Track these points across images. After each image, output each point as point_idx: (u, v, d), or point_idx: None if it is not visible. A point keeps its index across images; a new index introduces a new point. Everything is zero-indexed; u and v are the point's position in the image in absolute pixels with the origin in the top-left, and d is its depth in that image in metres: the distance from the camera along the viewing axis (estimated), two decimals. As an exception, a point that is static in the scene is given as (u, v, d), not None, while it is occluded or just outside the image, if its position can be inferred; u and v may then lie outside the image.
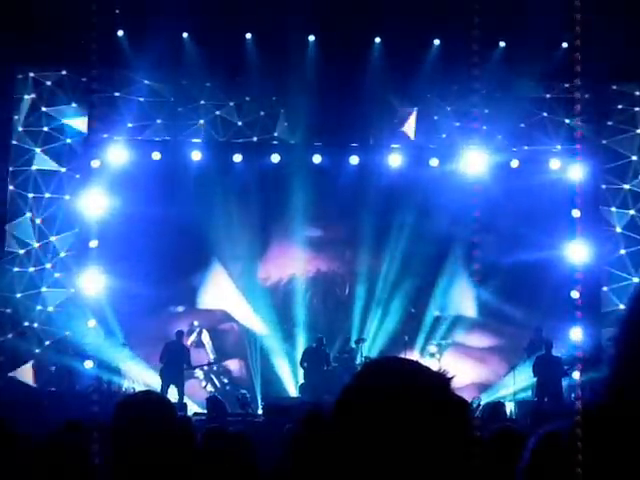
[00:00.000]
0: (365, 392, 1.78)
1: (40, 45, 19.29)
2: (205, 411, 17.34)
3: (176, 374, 18.36)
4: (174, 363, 18.35)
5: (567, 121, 20.78)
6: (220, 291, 21.06)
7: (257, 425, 15.35)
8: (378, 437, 1.72)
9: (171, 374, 18.31)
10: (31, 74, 20.79)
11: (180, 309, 21.13)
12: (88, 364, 19.10)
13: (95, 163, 20.56)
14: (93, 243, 20.36)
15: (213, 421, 14.13)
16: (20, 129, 20.70)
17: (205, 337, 20.97)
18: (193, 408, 18.63)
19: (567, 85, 20.42)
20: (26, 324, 20.20)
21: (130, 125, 20.87)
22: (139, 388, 18.89)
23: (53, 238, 20.57)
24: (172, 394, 17.90)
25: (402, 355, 19.69)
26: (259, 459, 5.26)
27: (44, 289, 20.44)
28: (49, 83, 20.84)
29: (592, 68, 17.60)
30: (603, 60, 17.77)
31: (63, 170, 20.74)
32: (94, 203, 20.34)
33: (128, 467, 3.09)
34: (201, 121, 21.00)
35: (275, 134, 21.14)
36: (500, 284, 19.98)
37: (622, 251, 20.79)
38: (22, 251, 20.43)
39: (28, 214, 20.55)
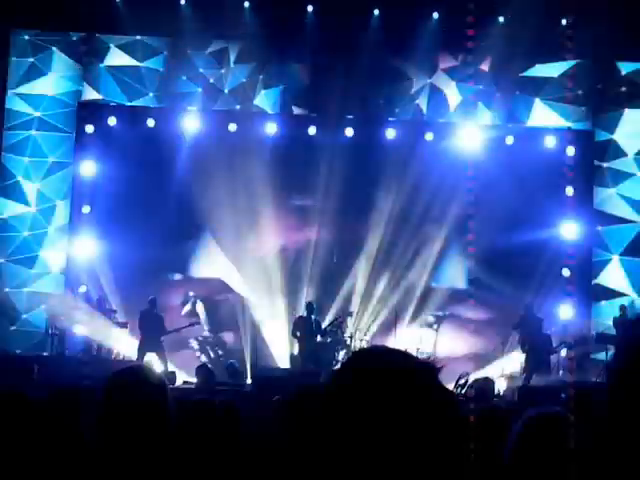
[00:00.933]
0: (353, 384, 1.79)
1: (38, 9, 19.22)
2: (194, 380, 17.39)
3: (154, 342, 18.28)
4: (151, 331, 18.27)
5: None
6: (212, 260, 21.04)
7: (245, 395, 15.36)
8: (367, 423, 1.73)
9: (149, 343, 18.25)
10: (26, 37, 20.67)
11: (175, 277, 21.09)
12: (78, 329, 19.13)
13: (89, 128, 20.51)
14: (86, 209, 20.34)
15: (201, 391, 14.15)
16: (14, 92, 20.62)
17: (200, 308, 20.96)
18: (182, 377, 18.69)
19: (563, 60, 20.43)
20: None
21: (124, 91, 20.83)
22: (128, 354, 18.99)
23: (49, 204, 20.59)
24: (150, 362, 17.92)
25: (395, 326, 19.83)
26: (247, 429, 5.28)
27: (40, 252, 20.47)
28: (45, 45, 20.72)
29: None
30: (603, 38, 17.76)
31: (58, 134, 20.67)
32: (88, 169, 20.34)
33: (116, 441, 3.10)
34: (199, 89, 20.92)
35: (267, 104, 21.05)
36: (492, 258, 20.01)
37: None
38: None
39: (20, 178, 20.52)
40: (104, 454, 3.06)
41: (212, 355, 20.47)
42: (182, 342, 20.04)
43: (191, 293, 21.04)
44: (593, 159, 20.82)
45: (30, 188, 20.52)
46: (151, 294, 18.99)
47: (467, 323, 20.74)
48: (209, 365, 17.38)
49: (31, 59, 20.68)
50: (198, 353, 20.60)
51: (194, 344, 20.60)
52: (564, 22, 19.41)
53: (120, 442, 3.07)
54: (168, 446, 3.11)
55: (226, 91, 20.98)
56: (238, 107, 21.01)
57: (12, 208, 20.47)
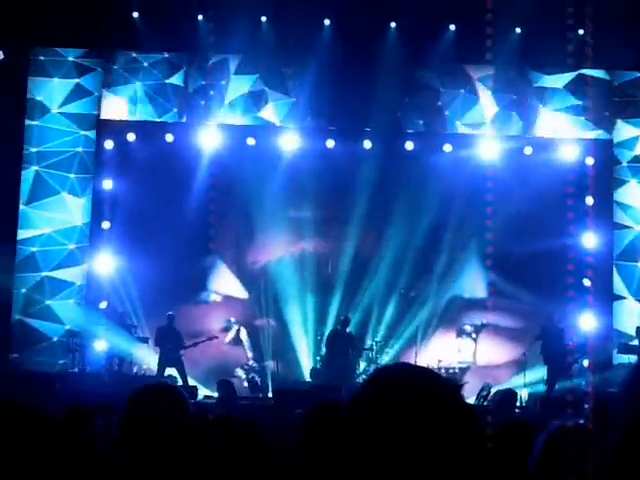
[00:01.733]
0: (373, 403, 1.77)
1: (57, 26, 19.31)
2: (216, 394, 17.38)
3: (173, 357, 18.35)
4: (170, 347, 18.33)
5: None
6: (221, 279, 21.02)
7: (267, 409, 15.35)
8: (385, 444, 1.71)
9: (168, 357, 18.30)
10: (42, 57, 20.75)
11: (202, 295, 20.96)
12: (100, 345, 19.16)
13: (108, 144, 20.55)
14: (105, 224, 20.35)
15: (223, 405, 14.16)
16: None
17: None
18: (203, 391, 18.71)
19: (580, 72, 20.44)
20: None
21: (142, 107, 20.90)
22: (149, 370, 19.01)
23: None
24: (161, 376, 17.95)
25: (417, 340, 19.82)
26: (268, 443, 5.26)
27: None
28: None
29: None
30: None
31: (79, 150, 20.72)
32: (107, 185, 20.38)
33: (136, 460, 3.08)
34: (202, 102, 20.93)
35: (281, 116, 21.07)
36: (511, 268, 19.96)
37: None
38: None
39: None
40: (123, 470, 3.05)
41: (259, 383, 19.95)
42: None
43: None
44: (612, 168, 20.81)
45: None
46: (173, 310, 19.08)
47: (503, 330, 20.64)
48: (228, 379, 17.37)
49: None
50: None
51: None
52: (581, 32, 19.36)
53: (140, 459, 3.06)
54: (187, 462, 3.10)
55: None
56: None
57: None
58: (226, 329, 20.68)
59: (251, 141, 20.57)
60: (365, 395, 1.80)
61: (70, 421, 5.00)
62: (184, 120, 20.90)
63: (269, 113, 21.03)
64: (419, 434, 1.71)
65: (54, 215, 20.42)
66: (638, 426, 1.40)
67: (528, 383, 18.82)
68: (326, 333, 19.37)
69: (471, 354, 20.58)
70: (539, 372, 18.91)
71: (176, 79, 20.92)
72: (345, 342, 18.67)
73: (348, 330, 18.90)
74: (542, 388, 18.40)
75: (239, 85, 20.97)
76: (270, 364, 20.06)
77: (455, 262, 20.64)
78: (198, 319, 20.42)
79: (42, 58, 20.60)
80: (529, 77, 20.83)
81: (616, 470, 1.45)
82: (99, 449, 4.50)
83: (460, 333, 20.68)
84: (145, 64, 20.86)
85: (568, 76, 20.76)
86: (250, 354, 20.65)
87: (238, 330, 20.73)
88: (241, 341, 20.71)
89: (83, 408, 5.19)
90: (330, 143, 20.52)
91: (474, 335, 20.71)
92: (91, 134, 20.67)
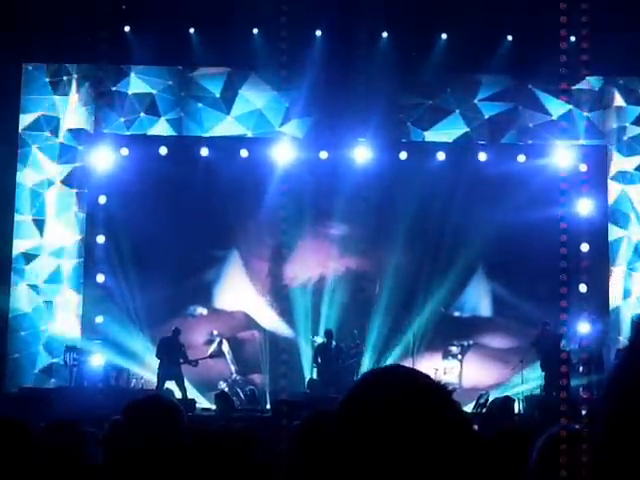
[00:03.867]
0: (364, 403, 1.76)
1: (48, 41, 19.31)
2: (213, 407, 17.34)
3: (173, 370, 18.35)
4: (170, 358, 18.33)
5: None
6: (238, 291, 21.00)
7: (265, 421, 15.33)
8: (379, 446, 1.70)
9: (168, 370, 18.30)
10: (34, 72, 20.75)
11: (197, 310, 20.92)
12: (97, 359, 19.15)
13: (102, 159, 20.51)
14: (100, 239, 20.32)
15: (221, 417, 14.13)
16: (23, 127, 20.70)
17: (225, 347, 20.74)
18: (202, 403, 18.71)
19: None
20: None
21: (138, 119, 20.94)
22: (147, 383, 19.00)
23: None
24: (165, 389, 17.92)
25: (413, 352, 19.77)
26: (266, 455, 5.24)
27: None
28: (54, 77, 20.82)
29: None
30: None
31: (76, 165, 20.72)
32: (101, 200, 20.35)
33: (129, 473, 3.07)
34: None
35: (283, 129, 21.08)
36: (512, 280, 19.95)
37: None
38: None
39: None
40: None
41: (243, 397, 19.72)
42: (211, 384, 19.91)
43: (215, 332, 20.82)
44: (607, 176, 20.80)
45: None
46: (171, 325, 19.16)
47: (493, 352, 20.57)
48: (226, 391, 17.37)
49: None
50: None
51: (223, 386, 20.33)
52: (572, 39, 19.39)
53: (133, 471, 3.05)
54: (183, 474, 3.09)
55: (232, 117, 21.02)
56: (246, 133, 21.03)
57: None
58: (209, 342, 20.62)
59: (244, 153, 20.56)
60: (353, 397, 1.80)
61: (50, 433, 4.97)
62: (179, 133, 20.94)
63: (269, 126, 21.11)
64: (409, 436, 1.70)
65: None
66: (620, 425, 1.39)
67: (526, 390, 18.79)
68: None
69: (456, 375, 20.48)
70: (537, 379, 18.91)
71: (168, 92, 20.93)
72: (329, 354, 18.67)
73: (334, 342, 18.87)
74: (540, 394, 18.36)
75: (241, 99, 21.02)
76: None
77: (458, 278, 20.61)
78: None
79: (35, 73, 20.62)
80: (523, 85, 20.84)
81: (598, 468, 1.44)
82: (84, 460, 4.48)
83: (445, 354, 20.63)
84: (137, 78, 20.87)
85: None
86: (233, 367, 20.65)
87: (220, 342, 20.65)
88: (223, 354, 20.65)
89: (65, 420, 5.17)
90: (323, 154, 20.50)
91: (459, 356, 20.63)
92: (85, 148, 20.66)
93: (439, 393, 1.77)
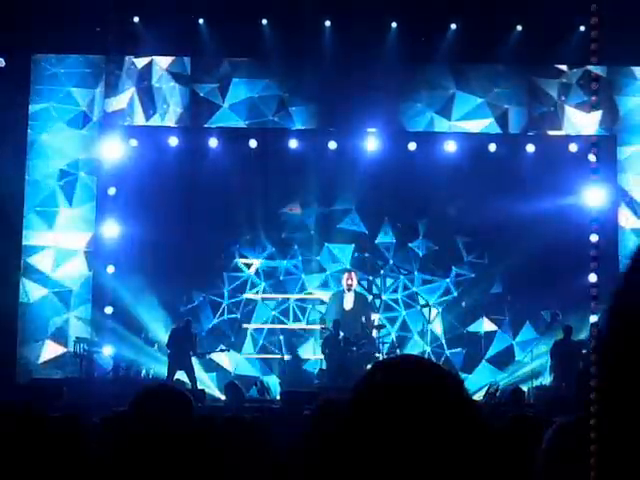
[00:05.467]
0: (376, 391, 1.76)
1: (58, 32, 19.33)
2: (223, 397, 17.36)
3: (184, 361, 18.37)
4: (181, 349, 18.36)
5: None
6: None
7: (275, 411, 15.36)
8: (390, 435, 1.70)
9: (179, 360, 18.32)
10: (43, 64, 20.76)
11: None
12: (107, 350, 19.21)
13: (111, 150, 20.52)
14: (110, 229, 20.35)
15: (231, 408, 14.15)
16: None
17: None
18: (213, 393, 18.77)
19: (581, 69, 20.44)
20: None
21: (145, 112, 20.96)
22: (157, 373, 19.04)
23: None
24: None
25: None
26: (276, 445, 5.25)
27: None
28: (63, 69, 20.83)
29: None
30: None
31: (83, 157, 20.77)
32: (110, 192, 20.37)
33: (138, 460, 3.08)
34: (225, 105, 21.01)
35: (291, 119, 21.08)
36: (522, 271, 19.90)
37: None
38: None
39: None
40: (125, 472, 3.05)
41: (266, 386, 19.73)
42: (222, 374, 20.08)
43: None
44: (617, 166, 20.68)
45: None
46: (179, 312, 19.24)
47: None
48: (235, 382, 17.37)
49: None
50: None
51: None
52: (582, 28, 19.33)
53: (142, 461, 3.05)
54: (192, 463, 3.09)
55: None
56: (254, 124, 21.04)
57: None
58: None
59: (253, 143, 20.57)
60: (365, 385, 1.79)
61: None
62: (188, 124, 20.96)
63: (279, 116, 21.11)
64: (420, 425, 1.70)
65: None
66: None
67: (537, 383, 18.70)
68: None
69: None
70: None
71: (178, 83, 20.95)
72: (338, 344, 18.64)
73: (342, 333, 18.82)
74: (549, 386, 18.26)
75: (242, 89, 21.02)
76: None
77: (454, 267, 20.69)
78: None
79: (44, 64, 20.64)
80: (534, 74, 20.78)
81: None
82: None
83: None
84: (146, 68, 20.89)
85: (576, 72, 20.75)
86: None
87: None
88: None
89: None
90: (332, 145, 20.50)
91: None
92: (93, 139, 20.70)
93: (450, 381, 1.76)
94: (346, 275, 19.95)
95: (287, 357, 19.90)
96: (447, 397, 1.73)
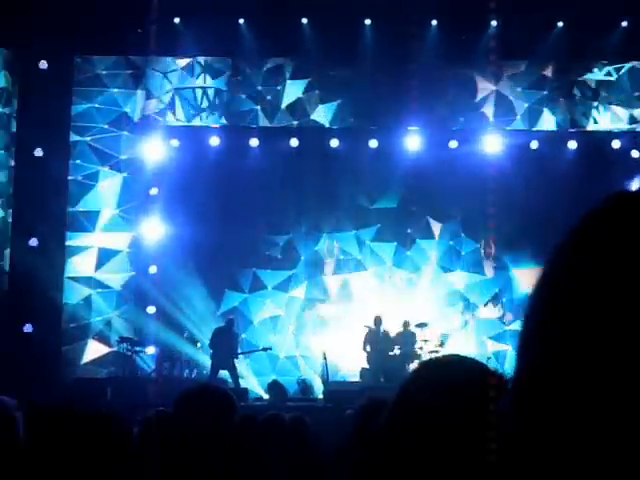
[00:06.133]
0: (422, 392, 1.75)
1: (100, 34, 19.44)
2: (266, 396, 17.41)
3: (227, 360, 18.41)
4: (224, 349, 18.41)
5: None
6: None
7: (317, 410, 15.36)
8: (435, 436, 1.69)
9: (221, 360, 18.37)
10: (85, 65, 20.89)
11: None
12: (150, 350, 19.30)
13: (152, 151, 20.60)
14: (151, 230, 20.44)
15: (274, 407, 14.17)
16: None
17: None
18: (257, 391, 18.84)
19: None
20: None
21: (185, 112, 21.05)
22: (200, 372, 19.11)
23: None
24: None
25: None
26: (317, 445, 5.25)
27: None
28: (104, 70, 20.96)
29: None
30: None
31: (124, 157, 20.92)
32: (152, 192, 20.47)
33: (179, 461, 3.09)
34: (257, 107, 21.07)
35: (325, 118, 21.10)
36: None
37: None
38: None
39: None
40: (168, 471, 3.06)
41: (308, 384, 19.87)
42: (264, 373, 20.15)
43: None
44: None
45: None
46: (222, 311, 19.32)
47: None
48: (278, 380, 17.41)
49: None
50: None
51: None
52: (624, 24, 19.17)
53: (183, 459, 3.06)
54: (232, 462, 3.10)
55: (283, 107, 21.08)
56: (295, 123, 21.09)
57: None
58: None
59: (294, 142, 20.58)
60: (409, 388, 1.79)
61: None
62: (228, 124, 21.03)
63: (319, 115, 21.13)
64: (465, 426, 1.69)
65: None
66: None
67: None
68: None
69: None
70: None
71: (218, 84, 21.03)
72: (379, 341, 18.53)
73: (382, 329, 18.72)
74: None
75: (290, 89, 21.09)
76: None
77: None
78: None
79: (86, 66, 20.77)
80: (575, 71, 20.66)
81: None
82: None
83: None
84: (187, 69, 20.98)
85: (616, 68, 20.60)
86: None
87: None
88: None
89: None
90: (373, 143, 20.49)
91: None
92: (134, 140, 20.82)
93: (495, 381, 1.75)
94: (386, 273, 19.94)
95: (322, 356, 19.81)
96: (493, 397, 1.72)
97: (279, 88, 21.09)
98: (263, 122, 21.06)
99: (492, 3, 18.40)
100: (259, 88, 21.05)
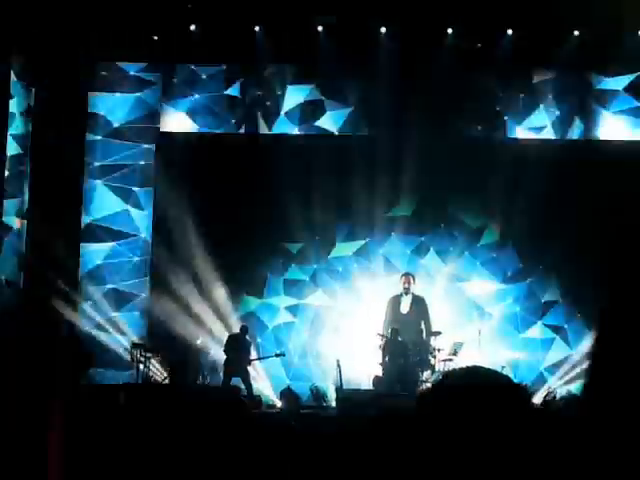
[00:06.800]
0: (443, 404, 1.75)
1: (116, 41, 19.52)
2: (279, 403, 17.40)
3: (240, 367, 18.44)
4: (237, 356, 18.44)
5: None
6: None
7: (330, 418, 15.36)
8: (457, 446, 1.69)
9: (234, 367, 18.40)
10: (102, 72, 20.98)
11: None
12: (163, 356, 19.33)
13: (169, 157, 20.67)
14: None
15: (286, 414, 14.20)
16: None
17: None
18: (270, 398, 18.85)
19: None
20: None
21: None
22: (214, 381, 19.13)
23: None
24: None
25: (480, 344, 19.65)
26: (331, 451, 5.25)
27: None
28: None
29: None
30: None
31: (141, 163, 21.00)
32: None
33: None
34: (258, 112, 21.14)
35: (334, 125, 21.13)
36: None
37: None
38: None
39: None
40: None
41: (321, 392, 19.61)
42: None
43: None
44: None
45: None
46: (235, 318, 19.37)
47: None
48: (291, 388, 17.41)
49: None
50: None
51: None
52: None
53: (200, 468, 3.07)
54: (247, 468, 3.10)
55: (290, 113, 21.12)
56: (304, 129, 21.11)
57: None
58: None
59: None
60: (429, 398, 1.79)
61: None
62: (242, 131, 21.08)
63: (326, 122, 21.12)
64: (492, 435, 1.68)
65: (119, 228, 20.71)
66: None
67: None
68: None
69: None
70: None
71: (233, 91, 21.07)
72: (395, 349, 18.49)
73: (399, 339, 18.67)
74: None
75: (295, 95, 21.09)
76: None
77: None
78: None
79: (103, 73, 20.84)
80: (589, 80, 20.63)
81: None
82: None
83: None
84: (203, 76, 21.03)
85: (628, 78, 20.57)
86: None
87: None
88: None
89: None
90: (387, 151, 20.46)
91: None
92: (152, 147, 20.86)
93: (516, 393, 1.75)
94: (403, 278, 19.78)
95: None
96: (515, 409, 1.72)
97: (283, 93, 21.09)
98: (273, 128, 21.10)
99: (508, 11, 18.47)
100: (271, 94, 21.08)
